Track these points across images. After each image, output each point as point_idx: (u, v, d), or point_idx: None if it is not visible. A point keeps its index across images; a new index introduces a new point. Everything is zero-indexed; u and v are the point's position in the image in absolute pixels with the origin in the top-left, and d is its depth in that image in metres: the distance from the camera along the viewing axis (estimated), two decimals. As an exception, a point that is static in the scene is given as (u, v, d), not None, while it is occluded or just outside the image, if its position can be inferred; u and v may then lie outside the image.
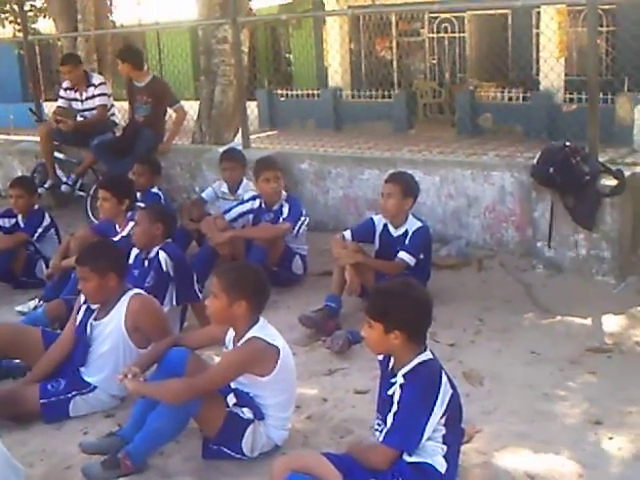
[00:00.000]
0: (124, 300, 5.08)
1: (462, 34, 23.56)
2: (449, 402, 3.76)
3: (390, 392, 3.84)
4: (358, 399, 5.06)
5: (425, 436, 3.71)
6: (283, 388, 4.39)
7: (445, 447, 3.78)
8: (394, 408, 3.74)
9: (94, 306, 5.16)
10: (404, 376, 3.79)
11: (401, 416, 3.71)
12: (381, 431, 3.86)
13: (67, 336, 5.26)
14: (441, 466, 3.76)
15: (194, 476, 4.28)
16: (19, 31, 18.48)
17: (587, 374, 5.35)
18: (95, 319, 5.13)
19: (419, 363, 3.80)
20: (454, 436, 3.85)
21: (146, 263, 6.09)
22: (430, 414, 3.70)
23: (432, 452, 3.76)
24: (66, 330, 5.33)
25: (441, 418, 3.73)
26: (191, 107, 10.97)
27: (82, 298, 5.27)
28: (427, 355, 3.85)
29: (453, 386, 3.85)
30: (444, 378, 3.81)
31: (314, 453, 4.11)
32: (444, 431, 3.76)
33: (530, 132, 18.62)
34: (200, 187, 9.00)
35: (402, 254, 6.34)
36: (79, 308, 5.27)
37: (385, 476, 3.71)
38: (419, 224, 6.50)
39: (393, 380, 3.84)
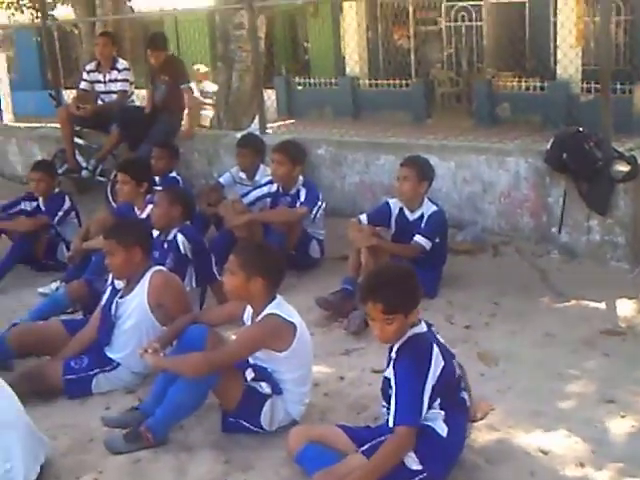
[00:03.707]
0: (147, 276, 5.18)
1: (479, 23, 23.43)
2: (441, 372, 3.81)
3: (387, 372, 3.93)
4: (374, 377, 5.08)
5: (424, 406, 3.76)
6: (300, 363, 4.47)
7: (443, 412, 3.87)
8: (393, 389, 3.79)
9: (119, 286, 5.27)
10: (397, 351, 3.88)
11: (401, 394, 3.76)
12: (387, 409, 3.91)
13: (96, 320, 5.35)
14: (442, 430, 3.86)
15: (214, 449, 4.37)
16: (37, 17, 18.59)
17: (600, 355, 5.41)
18: (120, 297, 5.23)
19: (411, 336, 3.88)
20: (452, 403, 3.92)
21: (165, 245, 6.17)
22: (425, 384, 3.76)
23: (432, 417, 3.86)
24: (95, 314, 5.42)
25: (434, 387, 3.78)
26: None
27: (109, 279, 5.37)
28: (421, 328, 3.93)
29: (446, 358, 3.90)
30: (435, 349, 3.85)
31: (329, 425, 4.20)
32: (439, 400, 3.84)
33: (548, 122, 18.48)
34: (218, 172, 9.01)
35: (418, 237, 6.40)
36: (105, 290, 5.38)
37: None
38: (435, 208, 6.55)
39: (390, 357, 3.93)
